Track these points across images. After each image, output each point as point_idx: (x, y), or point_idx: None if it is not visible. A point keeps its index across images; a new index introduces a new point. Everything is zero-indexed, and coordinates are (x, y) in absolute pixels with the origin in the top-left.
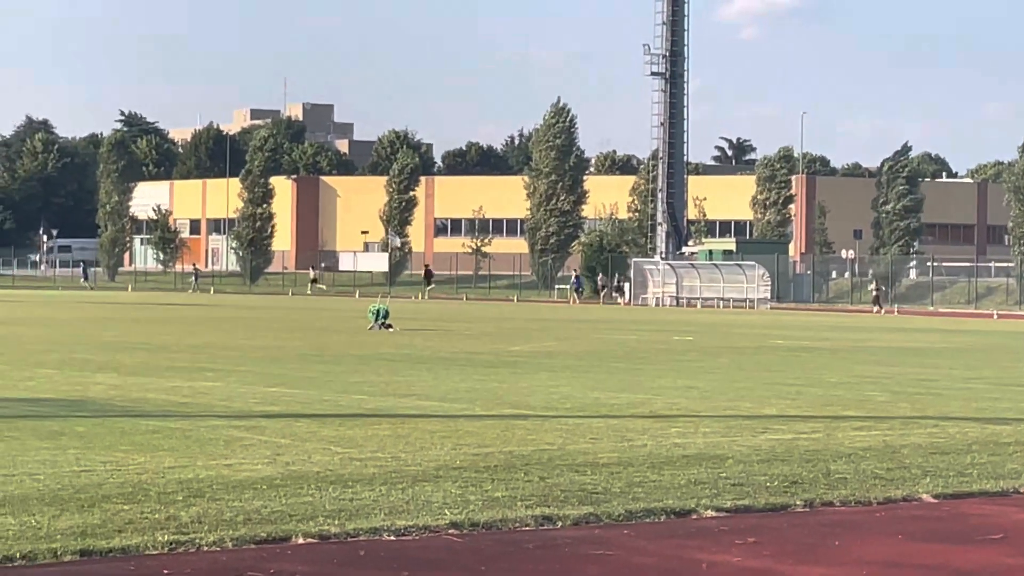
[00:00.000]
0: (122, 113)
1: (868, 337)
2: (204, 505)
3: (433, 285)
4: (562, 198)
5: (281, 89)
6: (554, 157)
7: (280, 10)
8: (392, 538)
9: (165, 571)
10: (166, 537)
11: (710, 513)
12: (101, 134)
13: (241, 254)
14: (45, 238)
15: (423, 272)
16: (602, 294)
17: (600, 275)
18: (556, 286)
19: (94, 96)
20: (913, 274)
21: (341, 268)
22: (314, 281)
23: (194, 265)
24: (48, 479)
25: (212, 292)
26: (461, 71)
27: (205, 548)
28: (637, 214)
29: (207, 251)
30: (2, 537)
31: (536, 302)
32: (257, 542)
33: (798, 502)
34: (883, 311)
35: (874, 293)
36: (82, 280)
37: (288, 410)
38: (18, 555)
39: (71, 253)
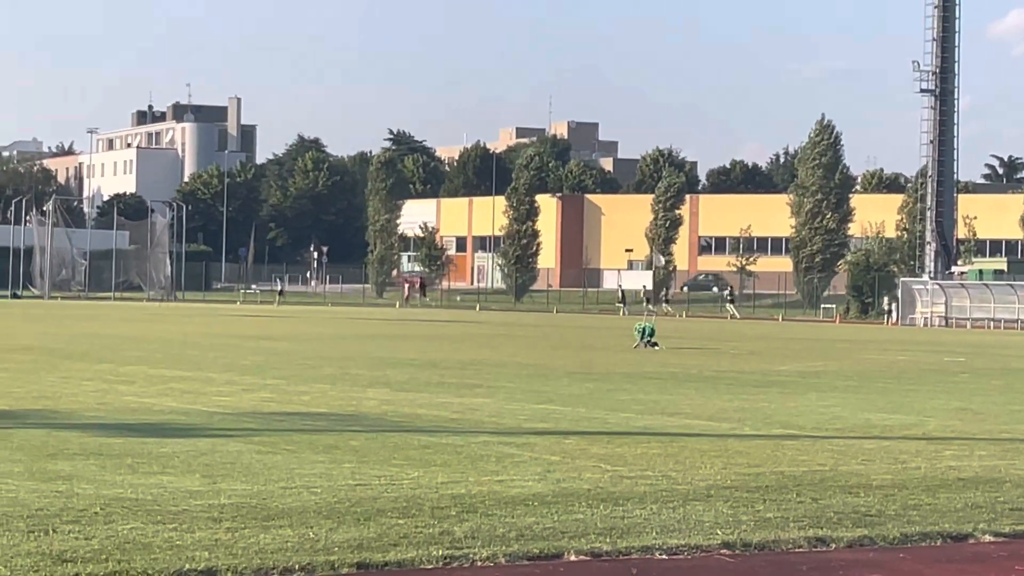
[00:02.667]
0: (391, 132)
1: None
2: (477, 520)
3: (427, 297)
4: (828, 216)
5: (547, 107)
6: (820, 175)
7: (546, 30)
8: (664, 557)
9: None
10: (440, 552)
11: (988, 538)
12: (370, 152)
13: (507, 271)
14: (315, 255)
15: (418, 283)
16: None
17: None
18: (822, 305)
19: (363, 115)
20: None
21: (605, 286)
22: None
23: (279, 279)
24: (325, 492)
25: (478, 309)
26: (725, 89)
27: (479, 563)
28: (905, 233)
29: (473, 268)
30: (281, 549)
31: (801, 321)
32: (530, 558)
33: None
34: None
35: None
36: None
37: (557, 427)
38: (297, 567)
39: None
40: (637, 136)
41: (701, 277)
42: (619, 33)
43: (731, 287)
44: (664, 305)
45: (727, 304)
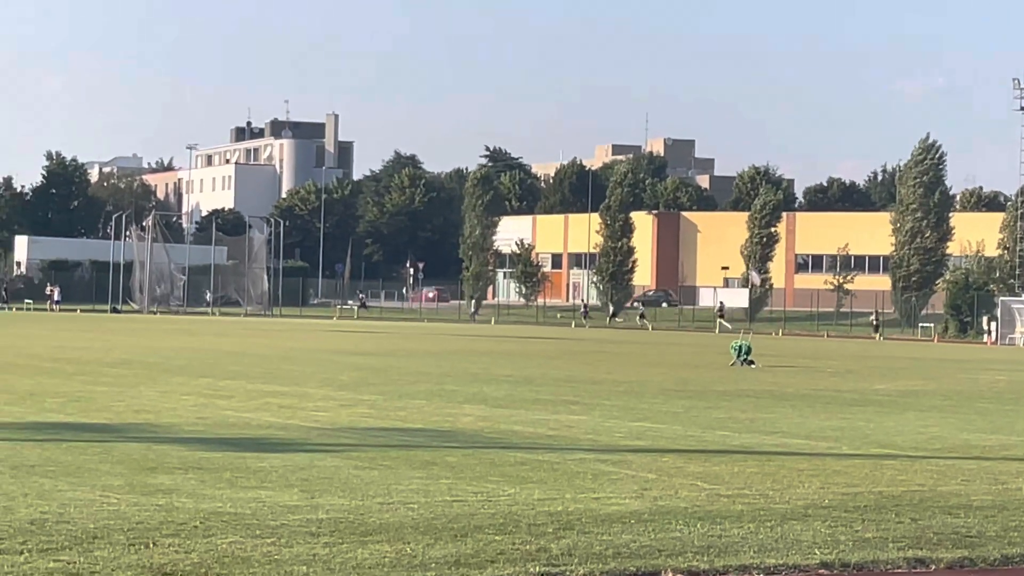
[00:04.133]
0: (487, 148)
1: None
2: (574, 538)
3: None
4: (927, 235)
5: (643, 124)
6: (921, 194)
7: (643, 46)
8: None
9: None
10: (537, 568)
11: None
12: (466, 169)
13: (602, 288)
14: (411, 271)
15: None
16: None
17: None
18: (919, 324)
19: (460, 132)
20: None
21: (700, 303)
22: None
23: (359, 293)
24: (422, 508)
25: (573, 326)
26: (822, 106)
27: None
28: (1005, 252)
29: (568, 285)
30: (379, 564)
31: (899, 340)
32: None
33: None
34: None
35: None
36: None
37: (653, 445)
38: None
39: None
40: (734, 153)
41: (651, 293)
42: (716, 50)
43: (721, 303)
44: (617, 320)
45: (719, 319)
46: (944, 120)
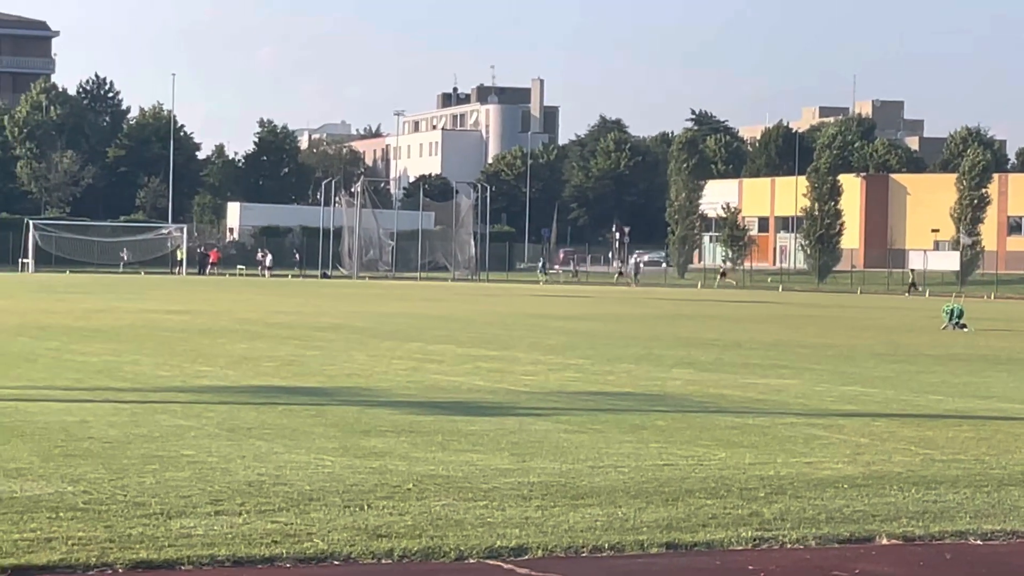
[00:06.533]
0: (692, 112)
1: None
2: (786, 502)
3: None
4: None
5: (850, 86)
6: None
7: (850, 7)
8: (979, 542)
9: (750, 567)
10: (749, 533)
11: None
12: (672, 133)
13: (809, 252)
14: (617, 235)
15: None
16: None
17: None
18: None
19: (665, 96)
20: None
21: (910, 267)
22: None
23: (542, 258)
24: (632, 472)
25: (780, 290)
26: None
27: (788, 545)
28: None
29: (775, 249)
30: (590, 528)
31: None
32: (840, 541)
33: None
34: None
35: None
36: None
37: (865, 409)
38: (606, 546)
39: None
40: (944, 115)
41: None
42: (925, 9)
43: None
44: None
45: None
46: None
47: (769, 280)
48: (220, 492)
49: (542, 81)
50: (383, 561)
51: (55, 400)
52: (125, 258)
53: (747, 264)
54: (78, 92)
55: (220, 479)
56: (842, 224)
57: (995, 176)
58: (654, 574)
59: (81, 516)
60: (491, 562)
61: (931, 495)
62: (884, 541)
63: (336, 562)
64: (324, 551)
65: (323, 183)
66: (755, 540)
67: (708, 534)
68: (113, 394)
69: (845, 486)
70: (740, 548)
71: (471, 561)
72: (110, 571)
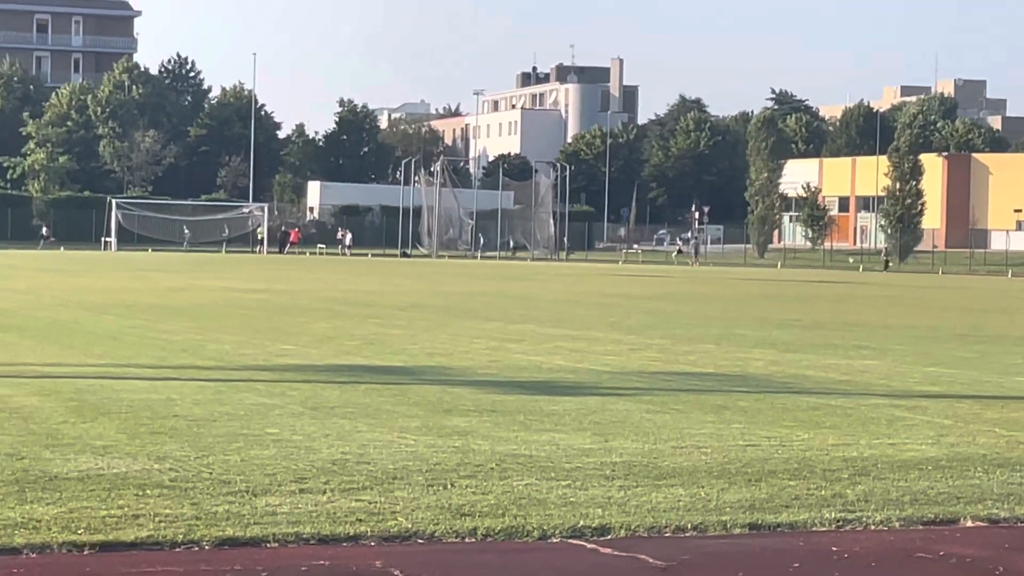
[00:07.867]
0: (772, 91)
1: None
2: (869, 484)
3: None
4: None
5: (932, 65)
6: None
7: None
8: None
9: (833, 548)
10: (833, 514)
11: None
12: (751, 112)
13: (889, 232)
14: (696, 215)
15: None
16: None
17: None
18: None
19: (745, 75)
20: None
21: (992, 247)
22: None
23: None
24: (715, 452)
25: (861, 270)
26: None
27: (872, 527)
28: None
29: (855, 229)
30: (673, 508)
31: None
32: (924, 523)
33: None
34: None
35: None
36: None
37: (949, 390)
38: (689, 526)
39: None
40: None
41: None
42: None
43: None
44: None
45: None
46: None
47: (850, 260)
48: (304, 470)
49: (621, 60)
50: (467, 540)
51: (140, 378)
52: (188, 235)
53: (827, 244)
54: (160, 72)
55: (304, 457)
56: (923, 204)
57: None
58: (738, 555)
59: (167, 493)
60: (574, 541)
61: (1016, 477)
62: (968, 523)
63: (420, 540)
64: (408, 529)
65: (403, 162)
66: (839, 521)
67: (791, 515)
68: (197, 372)
69: (929, 468)
70: (824, 529)
71: (554, 540)
72: (196, 548)
